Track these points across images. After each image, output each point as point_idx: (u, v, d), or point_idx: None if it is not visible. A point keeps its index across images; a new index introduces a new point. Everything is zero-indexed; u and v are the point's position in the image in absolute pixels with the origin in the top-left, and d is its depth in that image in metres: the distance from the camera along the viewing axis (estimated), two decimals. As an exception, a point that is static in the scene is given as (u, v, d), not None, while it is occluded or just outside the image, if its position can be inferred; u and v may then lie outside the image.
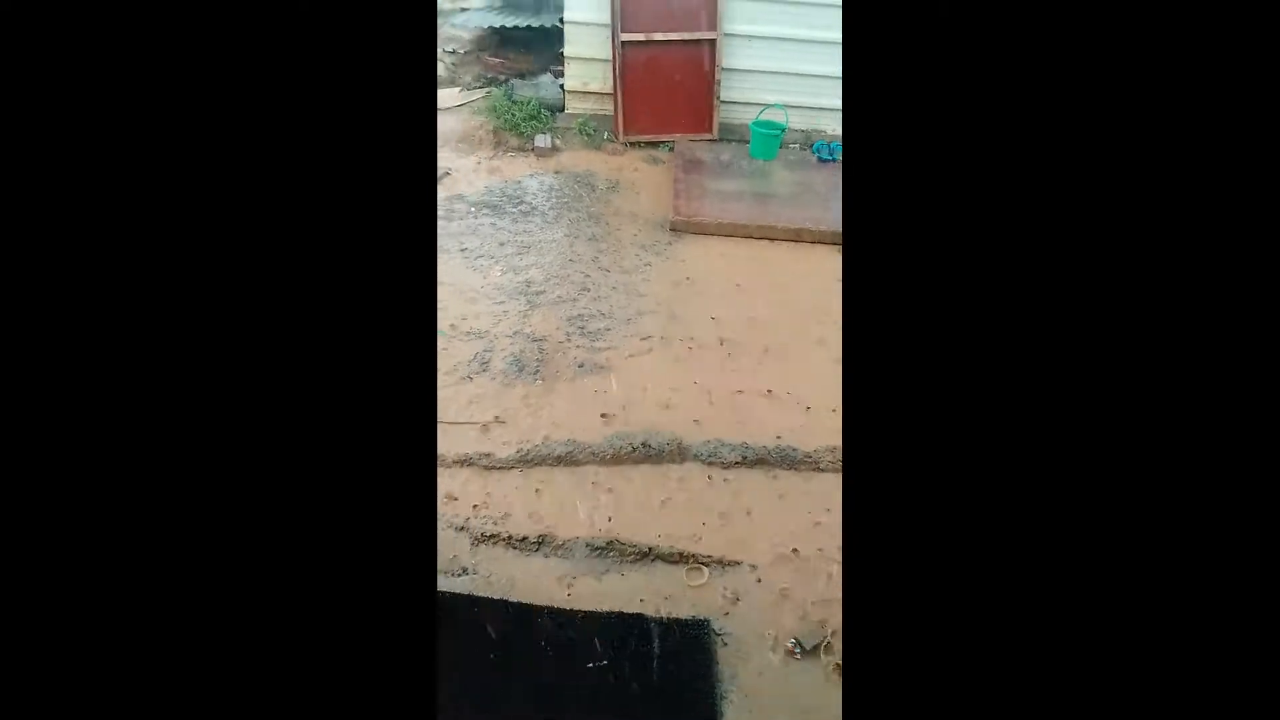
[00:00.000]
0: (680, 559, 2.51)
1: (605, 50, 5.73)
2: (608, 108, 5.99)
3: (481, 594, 2.27)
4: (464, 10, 8.82)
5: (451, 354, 3.47)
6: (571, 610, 2.19)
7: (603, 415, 3.12)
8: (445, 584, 2.38)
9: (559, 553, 2.52)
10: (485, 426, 3.04)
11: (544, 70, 7.05)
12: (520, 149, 5.77)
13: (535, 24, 7.39)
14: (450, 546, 2.53)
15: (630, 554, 2.50)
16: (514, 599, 2.29)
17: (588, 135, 5.96)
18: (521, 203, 4.99)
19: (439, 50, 8.12)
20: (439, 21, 8.91)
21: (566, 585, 2.39)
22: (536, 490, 2.76)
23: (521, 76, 6.96)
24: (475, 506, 2.68)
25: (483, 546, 2.54)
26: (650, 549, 2.52)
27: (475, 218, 4.75)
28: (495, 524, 2.61)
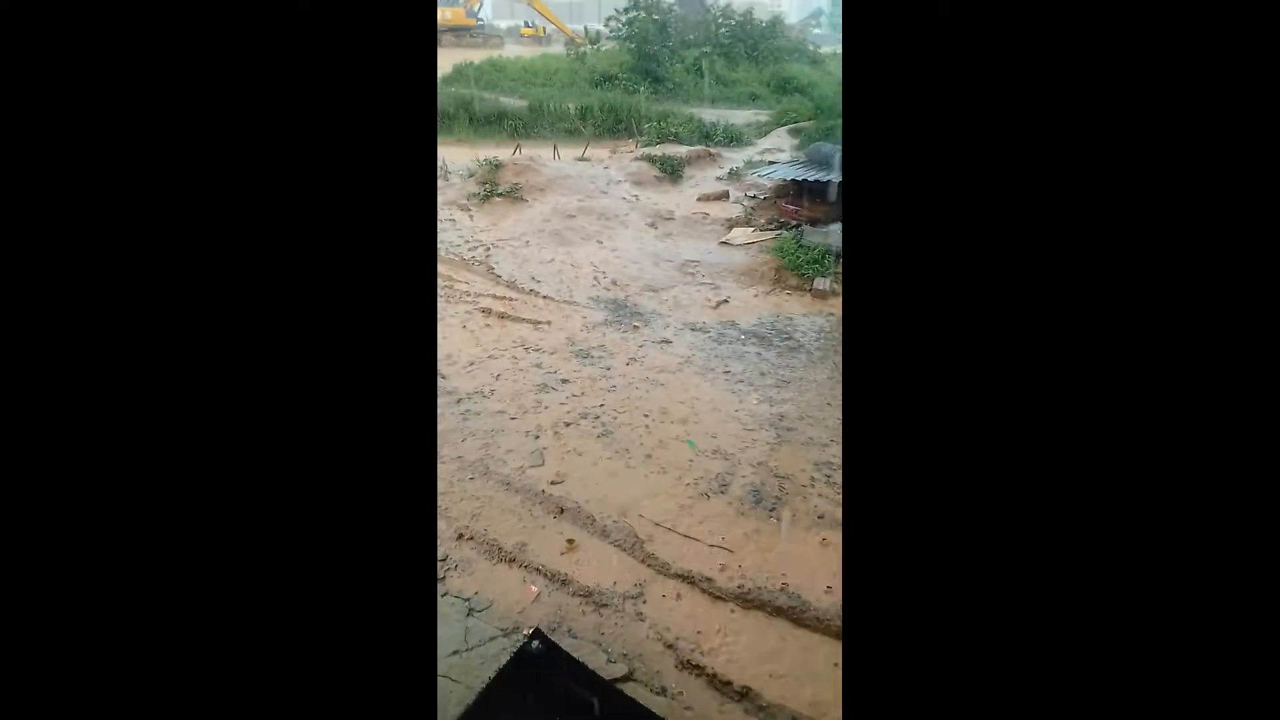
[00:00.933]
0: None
1: (903, 209, 5.84)
2: (894, 261, 6.00)
3: (676, 725, 2.21)
4: (772, 164, 9.92)
5: (695, 468, 3.64)
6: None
7: (833, 577, 2.90)
8: (641, 695, 2.38)
9: (761, 714, 2.33)
10: (712, 548, 3.07)
11: (836, 219, 7.43)
12: (799, 289, 6.07)
13: (837, 179, 7.93)
14: (656, 661, 2.54)
15: (842, 752, 2.19)
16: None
17: (868, 284, 6.01)
18: (790, 338, 5.18)
19: (741, 195, 9.18)
20: (748, 173, 10.13)
21: (762, 756, 2.19)
22: (751, 636, 2.64)
23: (813, 223, 7.44)
24: (686, 628, 2.67)
25: (687, 674, 2.49)
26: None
27: (743, 345, 5.06)
28: (703, 655, 2.55)
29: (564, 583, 2.91)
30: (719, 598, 2.83)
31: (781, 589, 2.84)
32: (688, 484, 3.52)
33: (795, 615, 2.71)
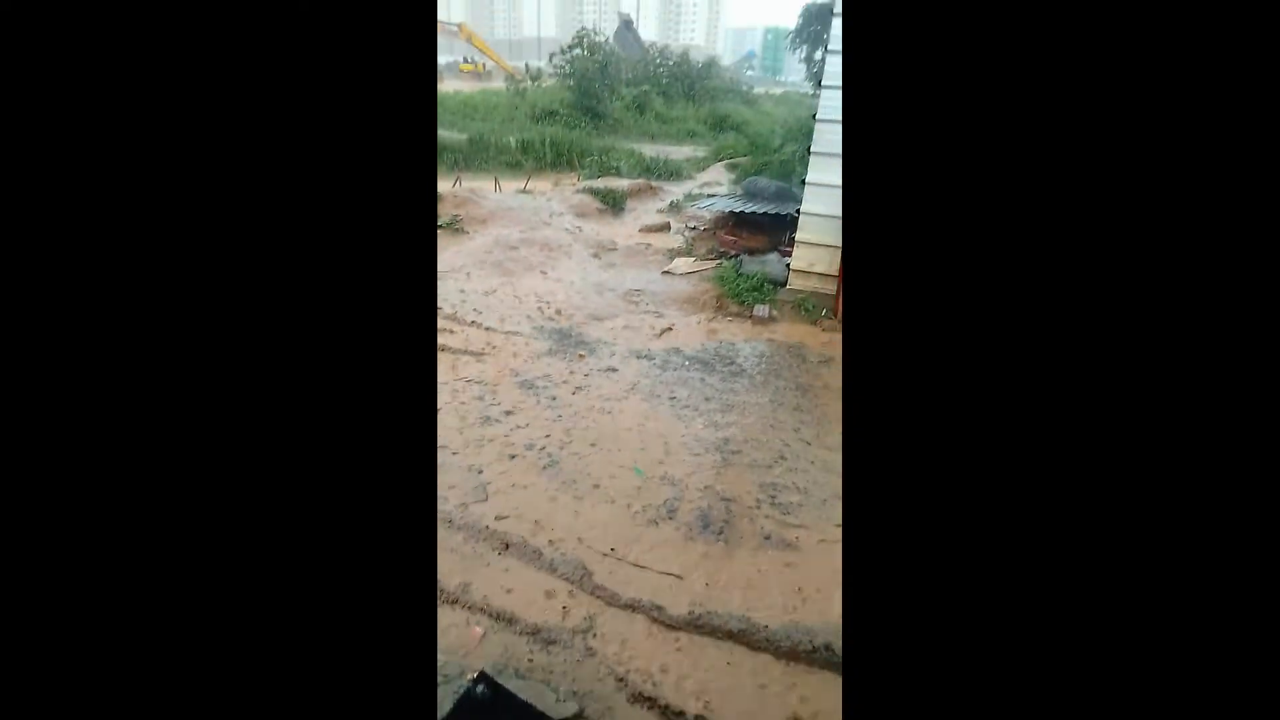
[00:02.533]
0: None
1: (835, 238, 6.14)
2: (829, 287, 6.27)
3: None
4: (711, 197, 10.25)
5: (644, 495, 3.62)
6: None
7: (782, 596, 2.92)
8: (594, 736, 2.29)
9: (715, 744, 2.29)
10: (662, 575, 3.04)
11: (772, 249, 7.72)
12: (739, 315, 6.23)
13: (773, 211, 8.27)
14: (608, 699, 2.46)
15: (796, 776, 2.17)
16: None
17: (805, 311, 6.24)
18: (732, 364, 5.29)
19: (682, 226, 9.41)
20: (688, 205, 10.41)
21: (717, 787, 2.14)
22: (701, 663, 2.61)
23: (751, 253, 7.70)
24: (637, 660, 2.61)
25: (639, 707, 2.43)
26: (819, 778, 2.17)
27: (687, 371, 5.13)
28: (654, 685, 2.50)
29: (510, 621, 2.81)
30: (669, 625, 2.79)
31: (731, 613, 2.83)
32: (635, 511, 3.49)
33: (745, 638, 2.70)
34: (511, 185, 11.35)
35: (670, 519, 3.44)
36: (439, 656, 2.63)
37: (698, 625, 2.78)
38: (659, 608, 2.86)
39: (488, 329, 5.89)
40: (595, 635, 2.74)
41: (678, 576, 3.03)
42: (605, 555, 3.16)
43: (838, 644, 2.67)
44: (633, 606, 2.88)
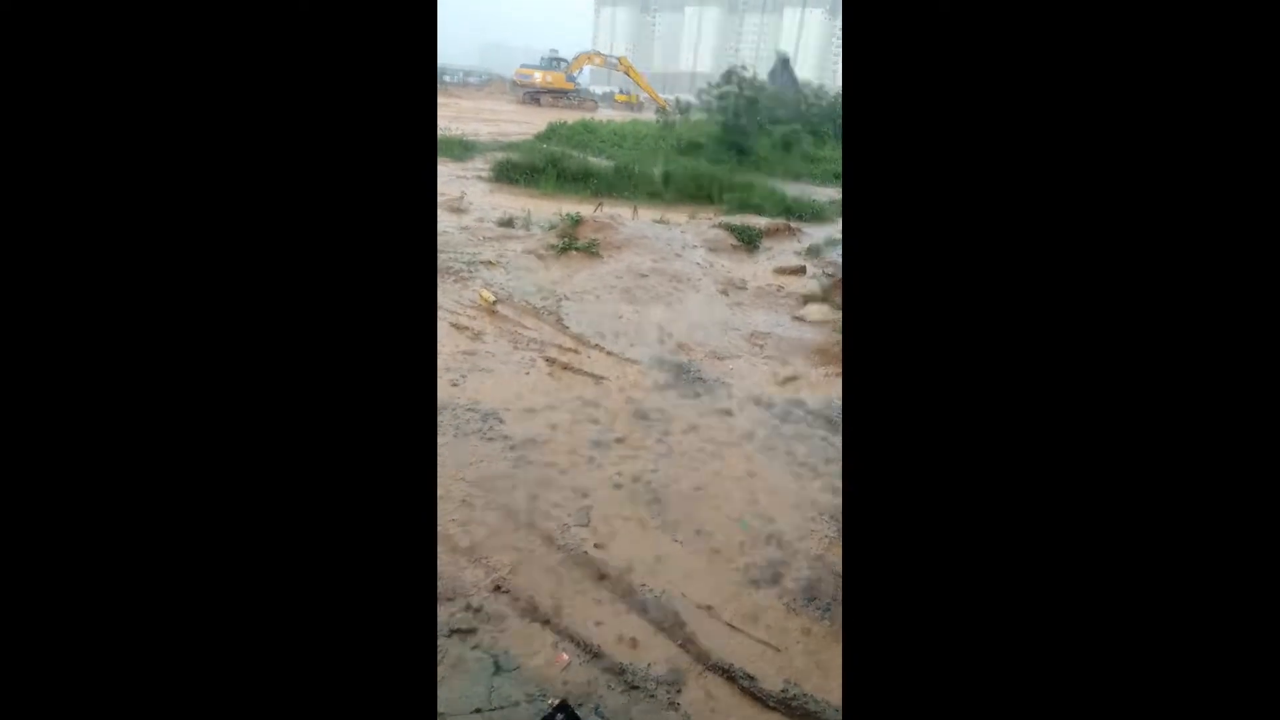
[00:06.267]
0: None
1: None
2: (975, 356, 5.75)
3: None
4: (850, 243, 9.85)
5: (747, 552, 3.48)
6: None
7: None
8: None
9: None
10: (759, 643, 2.87)
11: (913, 306, 7.24)
12: (869, 373, 5.88)
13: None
14: (686, 763, 2.35)
15: None
16: None
17: (944, 377, 5.76)
18: (856, 424, 4.98)
19: (818, 271, 9.12)
20: (828, 250, 10.09)
21: None
22: (791, 751, 2.42)
23: (889, 307, 7.27)
24: (722, 730, 2.47)
25: (715, 783, 2.29)
26: None
27: (810, 426, 4.89)
28: (736, 764, 2.35)
29: (596, 655, 2.79)
30: (761, 700, 2.62)
31: (828, 701, 2.60)
32: (736, 568, 3.35)
33: (843, 737, 2.47)
34: (650, 214, 11.69)
35: (774, 584, 3.26)
36: (523, 673, 2.67)
37: (789, 705, 2.59)
38: (750, 677, 2.70)
39: (609, 353, 6.05)
40: (680, 690, 2.64)
41: (775, 648, 2.85)
42: (699, 607, 3.05)
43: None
44: (723, 669, 2.74)
